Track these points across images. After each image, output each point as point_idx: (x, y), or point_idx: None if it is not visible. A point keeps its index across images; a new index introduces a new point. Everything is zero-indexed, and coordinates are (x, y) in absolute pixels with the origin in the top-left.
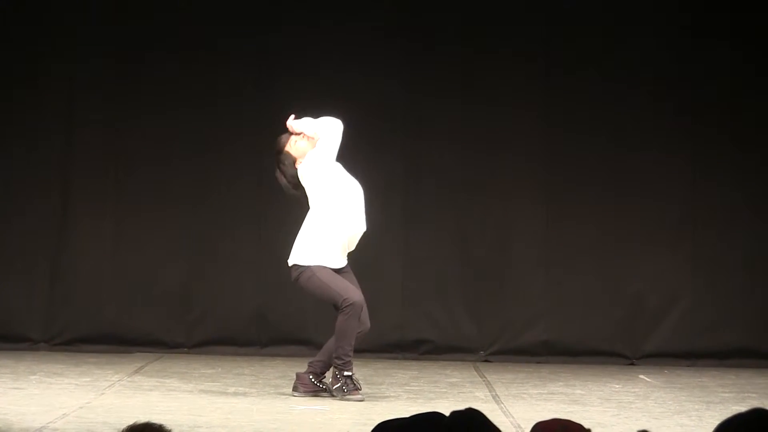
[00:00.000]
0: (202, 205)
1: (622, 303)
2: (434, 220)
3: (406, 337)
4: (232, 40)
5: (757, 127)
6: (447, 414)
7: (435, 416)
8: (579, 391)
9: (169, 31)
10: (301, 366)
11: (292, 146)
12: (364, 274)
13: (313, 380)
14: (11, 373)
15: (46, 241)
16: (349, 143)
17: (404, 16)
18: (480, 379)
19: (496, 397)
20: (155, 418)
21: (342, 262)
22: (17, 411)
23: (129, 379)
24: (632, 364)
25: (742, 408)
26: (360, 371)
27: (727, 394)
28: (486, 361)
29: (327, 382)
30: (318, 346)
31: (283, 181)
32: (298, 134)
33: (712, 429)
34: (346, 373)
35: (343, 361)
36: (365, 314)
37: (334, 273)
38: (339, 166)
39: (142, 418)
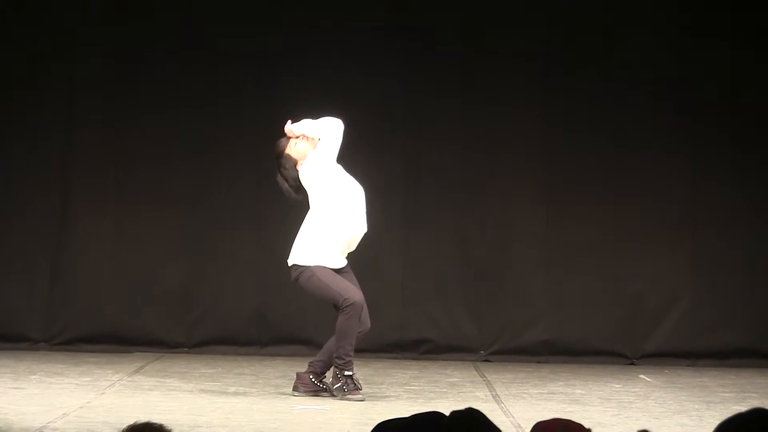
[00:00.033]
0: (202, 205)
1: (622, 303)
2: (434, 220)
3: (407, 337)
4: (232, 40)
5: (757, 127)
6: (447, 414)
7: (435, 416)
8: (579, 391)
9: (169, 31)
10: (302, 366)
11: (292, 148)
12: (364, 274)
13: (313, 380)
14: (11, 373)
15: (46, 241)
16: (349, 143)
17: (404, 16)
18: (480, 378)
19: (496, 397)
20: (155, 418)
21: (342, 262)
22: (17, 411)
23: (129, 378)
24: (632, 363)
25: (742, 408)
26: (360, 371)
27: (727, 394)
28: (486, 360)
29: (327, 381)
30: (318, 346)
31: (285, 185)
32: (298, 137)
33: (713, 429)
34: (346, 373)
35: (343, 361)
36: (365, 314)
37: (334, 273)
38: (340, 167)
39: (142, 418)
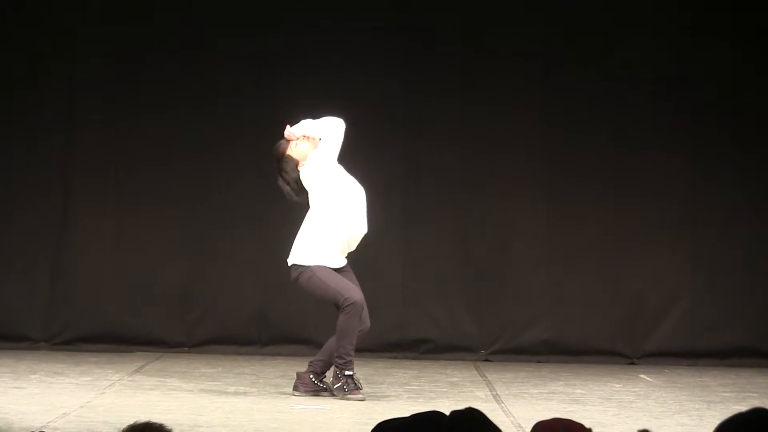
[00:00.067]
0: (202, 205)
1: (622, 302)
2: (434, 220)
3: (407, 337)
4: (232, 40)
5: (757, 127)
6: (447, 413)
7: (435, 416)
8: (579, 391)
9: (169, 31)
10: (302, 365)
11: (293, 149)
12: (364, 274)
13: (313, 379)
14: (11, 373)
15: (46, 240)
16: (349, 143)
17: (404, 16)
18: (480, 378)
19: (496, 397)
20: (156, 418)
21: (342, 261)
22: (18, 410)
23: (129, 378)
24: (633, 363)
25: (742, 407)
26: (360, 370)
27: (727, 394)
28: (486, 360)
29: (328, 381)
30: (318, 346)
31: (286, 188)
32: (298, 138)
33: (713, 428)
34: (347, 373)
35: (344, 361)
36: (365, 313)
37: (334, 272)
38: (341, 168)
39: (142, 418)
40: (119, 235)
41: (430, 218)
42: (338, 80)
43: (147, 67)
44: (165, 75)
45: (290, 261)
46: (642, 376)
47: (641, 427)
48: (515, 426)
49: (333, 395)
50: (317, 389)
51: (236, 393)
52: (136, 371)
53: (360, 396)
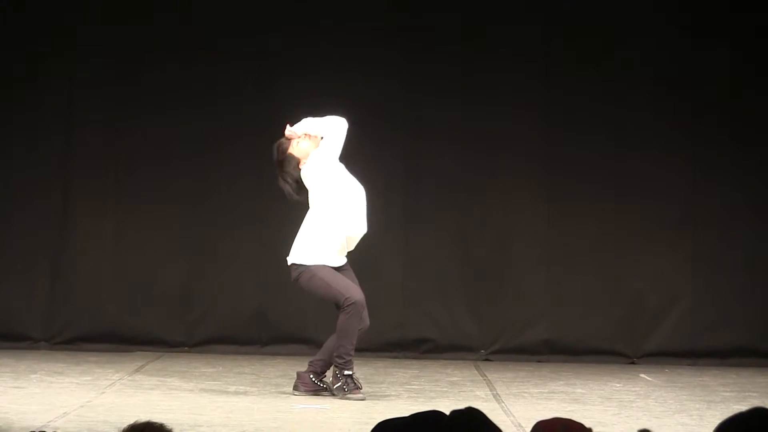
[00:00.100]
0: (202, 205)
1: (622, 302)
2: (434, 220)
3: (407, 336)
4: (232, 40)
5: (757, 127)
6: (447, 413)
7: (435, 415)
8: (580, 390)
9: (169, 31)
10: (302, 365)
11: (295, 148)
12: (364, 274)
13: (313, 379)
14: (12, 372)
15: (46, 240)
16: (349, 143)
17: (404, 16)
18: (481, 378)
19: (496, 396)
20: (156, 417)
21: (341, 260)
22: (18, 410)
23: (130, 378)
24: (633, 363)
25: (742, 407)
26: (361, 370)
27: (727, 393)
28: (487, 360)
29: (327, 381)
30: (318, 345)
31: (287, 188)
32: (300, 137)
33: (713, 428)
34: (346, 372)
35: (344, 360)
36: (365, 312)
37: (334, 271)
38: (342, 167)
39: (142, 417)
40: (119, 235)
41: (430, 218)
42: (338, 80)
43: (147, 67)
44: (165, 75)
45: (290, 260)
46: (642, 375)
47: (641, 427)
48: (515, 425)
49: (333, 395)
50: (317, 389)
51: (236, 392)
52: (137, 371)
53: (360, 395)
